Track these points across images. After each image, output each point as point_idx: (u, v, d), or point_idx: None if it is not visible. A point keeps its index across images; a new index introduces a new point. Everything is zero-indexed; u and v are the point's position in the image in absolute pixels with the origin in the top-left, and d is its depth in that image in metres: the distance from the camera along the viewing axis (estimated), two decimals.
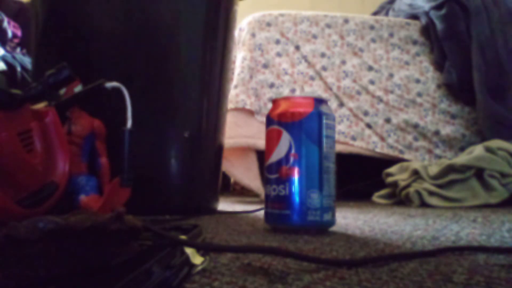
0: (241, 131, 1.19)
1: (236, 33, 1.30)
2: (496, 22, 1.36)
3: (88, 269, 0.25)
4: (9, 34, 1.73)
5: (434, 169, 1.08)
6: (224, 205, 1.00)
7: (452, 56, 1.32)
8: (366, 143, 1.27)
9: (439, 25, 1.34)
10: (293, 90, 1.27)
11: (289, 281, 0.30)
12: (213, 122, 0.81)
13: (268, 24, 1.31)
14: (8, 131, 0.43)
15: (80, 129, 0.58)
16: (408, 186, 1.07)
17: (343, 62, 1.32)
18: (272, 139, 0.55)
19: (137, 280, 0.24)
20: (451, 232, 0.55)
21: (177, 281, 0.28)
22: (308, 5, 2.36)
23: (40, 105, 0.52)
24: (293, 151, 0.53)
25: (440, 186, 1.04)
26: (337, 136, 1.23)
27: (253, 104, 1.21)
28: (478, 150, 1.08)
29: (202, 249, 0.35)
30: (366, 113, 1.29)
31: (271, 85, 1.26)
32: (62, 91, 0.57)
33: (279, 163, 0.54)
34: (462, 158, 1.07)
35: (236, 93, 1.21)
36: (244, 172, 1.19)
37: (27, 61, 1.68)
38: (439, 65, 1.35)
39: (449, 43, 1.33)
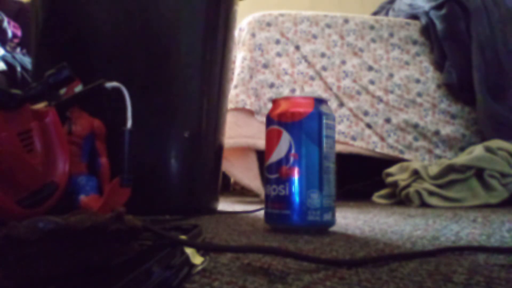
0: (241, 131, 1.19)
1: (236, 33, 1.30)
2: (496, 22, 1.36)
3: (88, 269, 0.25)
4: (9, 34, 1.73)
5: (434, 169, 1.08)
6: (224, 205, 1.00)
7: (452, 56, 1.32)
8: (366, 143, 1.27)
9: (439, 25, 1.34)
10: (293, 90, 1.27)
11: (289, 281, 0.30)
12: (213, 122, 0.81)
13: (268, 24, 1.31)
14: (8, 131, 0.43)
15: (80, 129, 0.58)
16: (408, 186, 1.07)
17: (343, 62, 1.32)
18: (272, 139, 0.55)
19: (137, 280, 0.24)
20: (451, 232, 0.55)
21: (177, 281, 0.28)
22: (308, 5, 2.36)
23: (40, 105, 0.52)
24: (293, 151, 0.53)
25: (440, 186, 1.04)
26: (337, 136, 1.23)
27: (253, 104, 1.21)
28: (478, 150, 1.08)
29: (202, 249, 0.35)
30: (366, 113, 1.29)
31: (271, 85, 1.26)
32: (62, 91, 0.57)
33: (279, 163, 0.54)
34: (462, 158, 1.07)
35: (236, 93, 1.21)
36: (244, 172, 1.19)
37: (27, 61, 1.68)
38: (439, 65, 1.35)
39: (449, 43, 1.33)
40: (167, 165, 0.74)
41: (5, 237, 0.23)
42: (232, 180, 1.56)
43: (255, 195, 1.24)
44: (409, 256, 0.38)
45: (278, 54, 1.29)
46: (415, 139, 1.29)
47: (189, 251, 0.32)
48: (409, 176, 1.10)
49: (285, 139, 0.54)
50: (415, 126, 1.29)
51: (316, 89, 1.29)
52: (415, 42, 1.38)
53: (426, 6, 1.41)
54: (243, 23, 1.34)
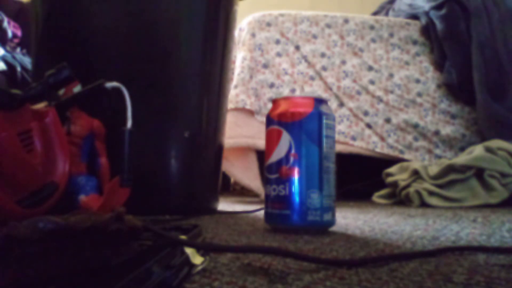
0: (241, 131, 1.19)
1: (236, 33, 1.30)
2: (496, 22, 1.36)
3: (88, 269, 0.25)
4: (9, 34, 1.73)
5: (434, 169, 1.08)
6: (224, 205, 1.00)
7: (452, 56, 1.32)
8: (366, 143, 1.27)
9: (439, 25, 1.34)
10: (293, 90, 1.27)
11: (289, 281, 0.30)
12: (213, 122, 0.81)
13: (268, 24, 1.31)
14: (8, 131, 0.43)
15: (79, 129, 0.58)
16: (408, 186, 1.07)
17: (343, 62, 1.32)
18: (272, 139, 0.55)
19: (137, 280, 0.24)
20: (451, 232, 0.55)
21: (177, 281, 0.28)
22: (308, 5, 2.36)
23: (40, 105, 0.52)
24: (293, 151, 0.53)
25: (440, 186, 1.04)
26: (337, 136, 1.23)
27: (253, 104, 1.21)
28: (478, 150, 1.08)
29: (202, 249, 0.35)
30: (366, 113, 1.29)
31: (271, 85, 1.26)
32: (61, 91, 0.57)
33: (279, 163, 0.54)
34: (462, 158, 1.07)
35: (236, 93, 1.21)
36: (244, 172, 1.19)
37: (27, 61, 1.68)
38: (439, 65, 1.35)
39: (449, 43, 1.33)
40: (167, 165, 0.74)
41: (5, 237, 0.23)
42: (232, 180, 1.56)
43: (255, 195, 1.24)
44: (409, 256, 0.38)
45: (278, 54, 1.29)
46: (415, 139, 1.29)
47: (189, 251, 0.32)
48: (409, 176, 1.10)
49: (285, 139, 0.54)
50: (415, 126, 1.29)
51: (316, 89, 1.29)
52: (415, 42, 1.38)
53: (426, 6, 1.41)
54: (243, 23, 1.34)
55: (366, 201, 1.19)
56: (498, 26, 1.36)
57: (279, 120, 0.55)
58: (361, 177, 1.32)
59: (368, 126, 1.28)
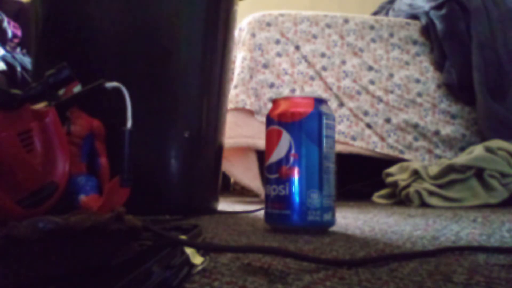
0: (241, 131, 1.19)
1: (236, 33, 1.30)
2: (496, 22, 1.36)
3: (88, 269, 0.25)
4: (9, 34, 1.73)
5: (434, 169, 1.08)
6: (224, 205, 1.00)
7: (452, 56, 1.32)
8: (366, 143, 1.27)
9: (439, 25, 1.34)
10: (293, 90, 1.27)
11: (289, 281, 0.30)
12: (213, 122, 0.81)
13: (268, 24, 1.31)
14: (8, 131, 0.43)
15: (79, 130, 0.58)
16: (408, 186, 1.07)
17: (343, 62, 1.32)
18: (272, 139, 0.55)
19: (137, 280, 0.24)
20: (451, 232, 0.55)
21: (177, 281, 0.28)
22: (308, 5, 2.36)
23: (40, 105, 0.52)
24: (293, 151, 0.53)
25: (440, 186, 1.04)
26: (337, 136, 1.23)
27: (253, 104, 1.21)
28: (478, 150, 1.08)
29: (202, 249, 0.35)
30: (366, 113, 1.29)
31: (271, 85, 1.26)
32: (61, 91, 0.57)
33: (279, 163, 0.54)
34: (462, 158, 1.07)
35: (236, 93, 1.21)
36: (244, 172, 1.19)
37: (27, 61, 1.68)
38: (439, 65, 1.35)
39: (449, 43, 1.33)
40: (167, 165, 0.74)
41: (5, 237, 0.23)
42: (232, 180, 1.56)
43: (255, 195, 1.24)
44: (409, 256, 0.38)
45: (278, 54, 1.29)
46: (415, 139, 1.29)
47: (189, 251, 0.32)
48: (409, 176, 1.10)
49: (285, 139, 0.54)
50: (415, 126, 1.29)
51: (316, 89, 1.29)
52: (415, 42, 1.38)
53: (426, 6, 1.41)
54: (243, 23, 1.34)
55: (366, 201, 1.19)
56: (498, 26, 1.36)
57: (279, 120, 0.55)
58: (361, 177, 1.32)
59: (368, 126, 1.28)
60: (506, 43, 1.36)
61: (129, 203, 0.55)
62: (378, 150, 1.27)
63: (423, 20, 1.39)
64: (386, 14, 1.71)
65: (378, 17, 1.42)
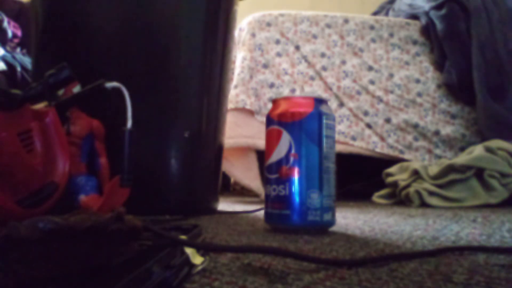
0: (241, 131, 1.19)
1: (236, 33, 1.30)
2: (496, 22, 1.36)
3: (88, 269, 0.25)
4: (9, 34, 1.73)
5: (434, 169, 1.08)
6: (224, 205, 1.00)
7: (452, 56, 1.32)
8: (366, 143, 1.27)
9: (439, 25, 1.34)
10: (293, 90, 1.27)
11: (289, 281, 0.30)
12: (213, 122, 0.81)
13: (268, 24, 1.31)
14: (8, 131, 0.43)
15: (78, 130, 0.58)
16: (408, 186, 1.07)
17: (343, 62, 1.32)
18: (272, 139, 0.55)
19: (137, 280, 0.24)
20: (451, 232, 0.55)
21: (177, 281, 0.28)
22: (308, 5, 2.36)
23: (40, 105, 0.52)
24: (293, 151, 0.53)
25: (440, 186, 1.04)
26: (337, 136, 1.23)
27: (253, 104, 1.21)
28: (478, 150, 1.08)
29: (202, 249, 0.35)
30: (366, 113, 1.29)
31: (271, 85, 1.26)
32: (61, 91, 0.57)
33: (279, 163, 0.54)
34: (462, 158, 1.07)
35: (236, 93, 1.21)
36: (244, 172, 1.19)
37: (27, 61, 1.68)
38: (439, 65, 1.35)
39: (449, 43, 1.33)
40: (167, 165, 0.74)
41: (5, 237, 0.23)
42: (232, 180, 1.56)
43: (255, 195, 1.24)
44: (409, 256, 0.38)
45: (278, 54, 1.29)
46: (415, 139, 1.29)
47: (189, 251, 0.32)
48: (409, 176, 1.10)
49: (285, 139, 0.54)
50: (415, 126, 1.29)
51: (316, 89, 1.29)
52: (415, 42, 1.38)
53: (426, 6, 1.41)
54: (243, 23, 1.34)
55: (366, 201, 1.19)
56: (498, 26, 1.36)
57: (279, 120, 0.55)
58: (361, 177, 1.32)
59: (368, 126, 1.28)
60: (506, 43, 1.36)
61: (129, 203, 0.55)
62: (378, 150, 1.27)
63: (423, 20, 1.39)
64: (386, 14, 1.71)
65: (378, 17, 1.42)
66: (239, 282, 0.30)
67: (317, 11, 1.41)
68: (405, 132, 1.29)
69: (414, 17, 1.45)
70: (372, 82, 1.31)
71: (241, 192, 1.52)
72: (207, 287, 0.29)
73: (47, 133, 0.50)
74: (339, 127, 1.26)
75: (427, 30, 1.38)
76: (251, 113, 1.22)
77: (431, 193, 1.03)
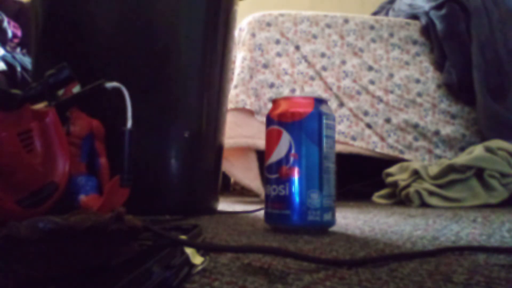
0: (241, 131, 1.19)
1: (236, 33, 1.30)
2: (496, 22, 1.36)
3: (88, 269, 0.25)
4: (9, 34, 1.73)
5: (434, 169, 1.08)
6: (224, 205, 1.00)
7: (452, 56, 1.32)
8: (366, 143, 1.27)
9: (439, 25, 1.34)
10: (293, 90, 1.27)
11: (289, 281, 0.30)
12: (213, 122, 0.81)
13: (268, 24, 1.31)
14: (8, 131, 0.43)
15: (78, 130, 0.58)
16: (408, 186, 1.07)
17: (343, 62, 1.32)
18: (272, 139, 0.55)
19: (137, 280, 0.24)
20: (451, 232, 0.55)
21: (177, 281, 0.28)
22: (308, 5, 2.36)
23: (40, 105, 0.52)
24: (293, 151, 0.53)
25: (440, 186, 1.04)
26: (337, 136, 1.23)
27: (253, 104, 1.21)
28: (478, 150, 1.08)
29: (202, 249, 0.35)
30: (366, 113, 1.29)
31: (271, 85, 1.26)
32: (61, 91, 0.57)
33: (279, 163, 0.54)
34: (462, 158, 1.07)
35: (236, 93, 1.21)
36: (244, 172, 1.19)
37: (27, 61, 1.68)
38: (439, 65, 1.35)
39: (449, 43, 1.33)
40: (167, 165, 0.74)
41: (5, 237, 0.23)
42: (232, 180, 1.56)
43: (255, 195, 1.24)
44: (409, 256, 0.38)
45: (278, 54, 1.29)
46: (415, 139, 1.29)
47: (189, 251, 0.32)
48: (409, 176, 1.10)
49: (285, 139, 0.54)
50: (415, 126, 1.29)
51: (316, 89, 1.29)
52: (415, 42, 1.38)
53: (426, 6, 1.41)
54: (243, 23, 1.34)
55: (366, 201, 1.19)
56: (498, 26, 1.36)
57: (279, 120, 0.55)
58: (361, 177, 1.32)
59: (368, 126, 1.28)
60: (506, 43, 1.36)
61: (129, 203, 0.55)
62: (378, 150, 1.27)
63: (423, 20, 1.39)
64: (386, 14, 1.71)
65: (378, 17, 1.42)
66: (239, 282, 0.30)
67: (317, 11, 1.41)
68: (405, 132, 1.29)
69: (414, 17, 1.45)
70: (372, 82, 1.31)
71: (241, 192, 1.52)
72: (207, 287, 0.29)
73: (47, 133, 0.50)
74: (339, 127, 1.26)
75: (427, 30, 1.38)
76: (251, 113, 1.22)
77: (431, 193, 1.03)
